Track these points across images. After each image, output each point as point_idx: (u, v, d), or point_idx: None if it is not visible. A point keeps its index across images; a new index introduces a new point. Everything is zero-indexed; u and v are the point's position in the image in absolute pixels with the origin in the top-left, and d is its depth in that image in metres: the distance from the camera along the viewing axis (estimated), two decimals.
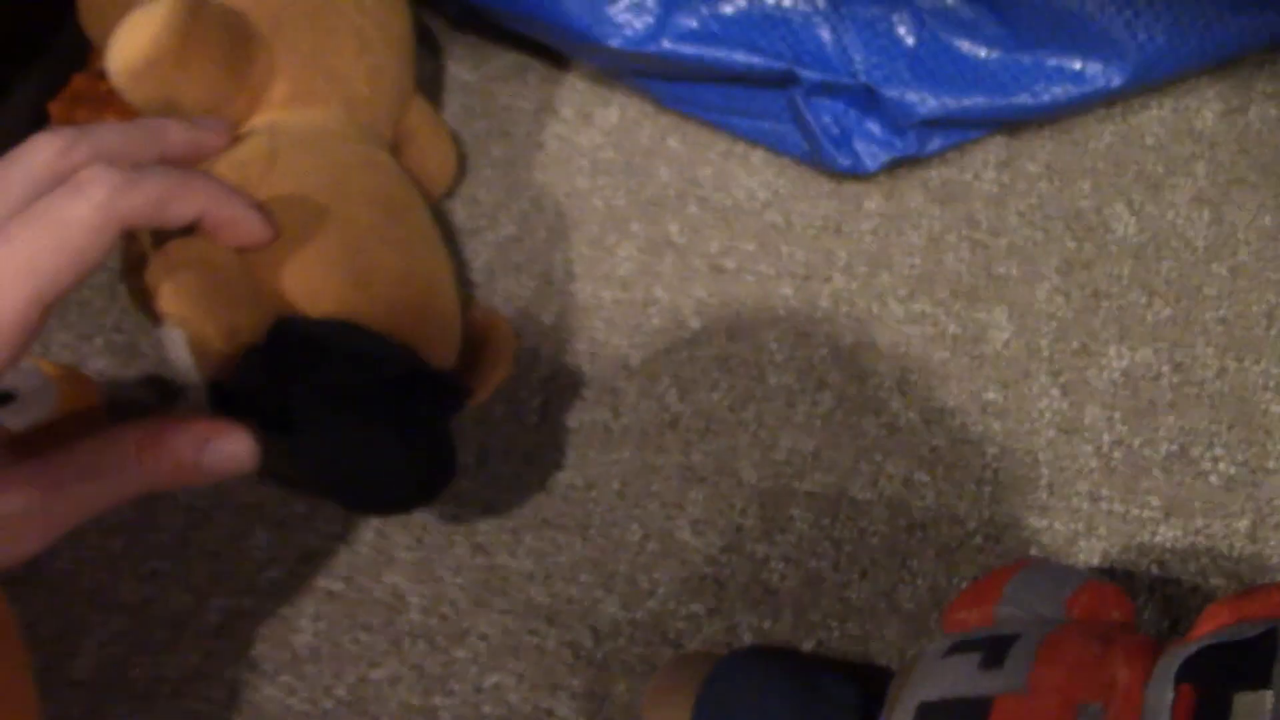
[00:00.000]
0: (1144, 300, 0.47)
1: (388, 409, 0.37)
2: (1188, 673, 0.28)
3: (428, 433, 0.39)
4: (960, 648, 0.33)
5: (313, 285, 0.38)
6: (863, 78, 0.50)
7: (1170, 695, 0.27)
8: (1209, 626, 0.29)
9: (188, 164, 0.37)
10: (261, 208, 0.36)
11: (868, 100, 0.50)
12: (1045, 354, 0.46)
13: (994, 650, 0.32)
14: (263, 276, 0.37)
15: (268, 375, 0.36)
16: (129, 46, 0.39)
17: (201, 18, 0.40)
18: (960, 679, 0.32)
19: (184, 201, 0.33)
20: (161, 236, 0.36)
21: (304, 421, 0.36)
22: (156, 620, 0.46)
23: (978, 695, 0.31)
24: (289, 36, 0.44)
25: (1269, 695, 0.26)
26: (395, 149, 0.49)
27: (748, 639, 0.42)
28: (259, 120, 0.44)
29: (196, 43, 0.40)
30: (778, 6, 0.50)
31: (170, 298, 0.34)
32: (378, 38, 0.47)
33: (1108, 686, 0.30)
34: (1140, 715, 0.28)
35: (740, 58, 0.50)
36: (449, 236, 0.54)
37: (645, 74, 0.54)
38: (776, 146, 0.53)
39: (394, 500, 0.39)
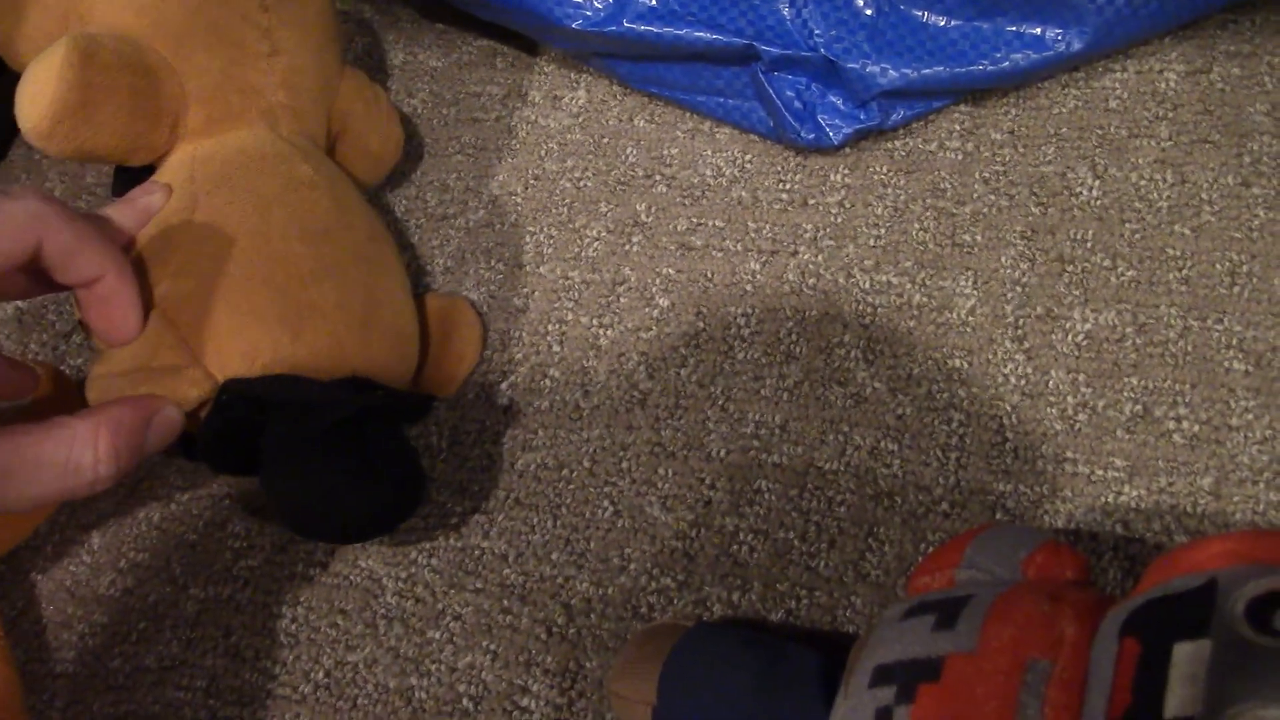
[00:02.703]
0: (1108, 263, 0.47)
1: (342, 449, 0.38)
2: (1131, 626, 0.28)
3: (388, 459, 0.40)
4: (916, 611, 0.33)
5: (249, 344, 0.39)
6: (823, 51, 0.50)
7: (1114, 649, 0.28)
8: (1154, 580, 0.30)
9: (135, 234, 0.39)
10: (139, 309, 0.37)
11: (829, 73, 0.50)
12: (1010, 320, 0.46)
13: (947, 612, 0.32)
14: (198, 337, 0.38)
15: (224, 440, 0.38)
16: (32, 108, 0.39)
17: (97, 62, 0.39)
18: (915, 641, 0.32)
19: (89, 260, 0.34)
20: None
21: (265, 474, 0.38)
22: (136, 611, 0.46)
23: (930, 656, 0.31)
24: (195, 59, 0.43)
25: (1207, 644, 0.26)
26: (334, 136, 0.49)
27: (718, 611, 0.43)
28: (181, 153, 0.43)
29: (98, 90, 0.39)
30: None
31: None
32: (288, 34, 0.46)
33: (1056, 643, 0.30)
34: (1087, 669, 0.29)
35: (700, 34, 0.50)
36: (419, 225, 0.54)
37: (610, 55, 0.54)
38: (742, 123, 0.54)
39: (364, 529, 0.40)
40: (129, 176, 0.43)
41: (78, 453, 0.31)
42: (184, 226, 0.40)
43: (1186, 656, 0.26)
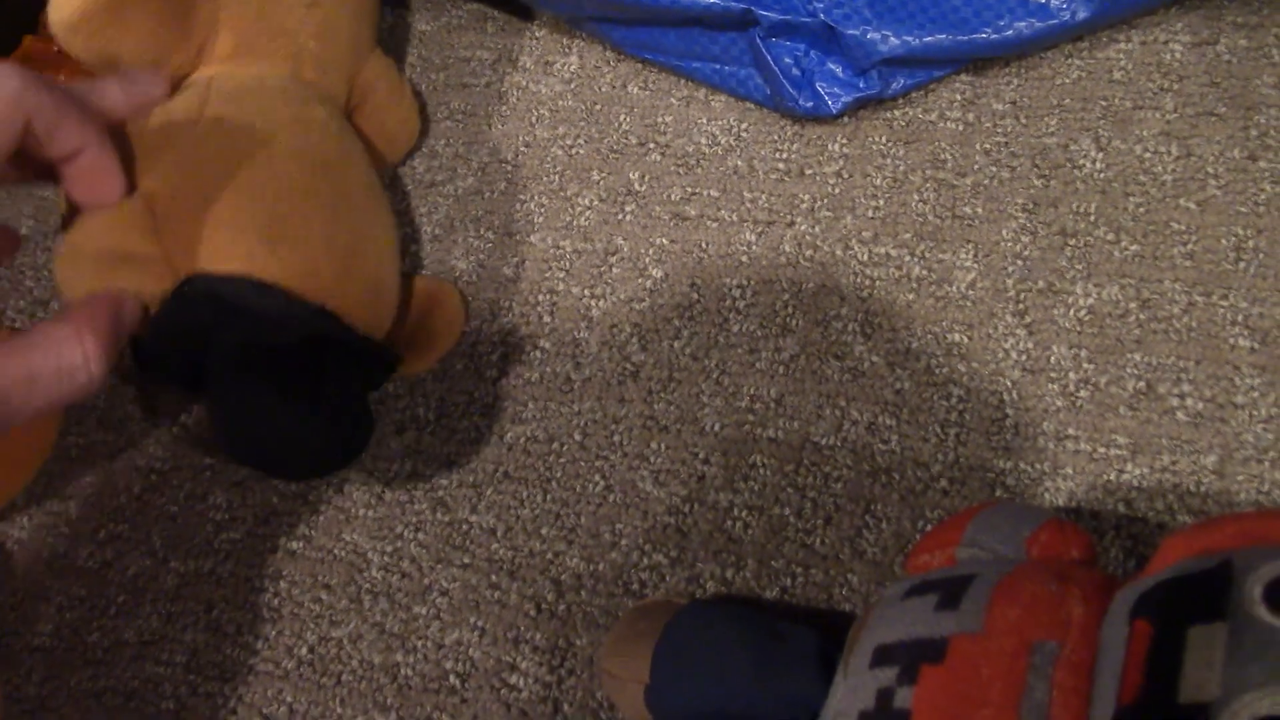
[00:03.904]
0: (1111, 237, 0.46)
1: (295, 373, 0.37)
2: (1143, 609, 0.27)
3: (338, 399, 0.39)
4: (918, 590, 0.33)
5: (222, 243, 0.37)
6: (823, 16, 0.49)
7: (1125, 631, 0.27)
8: (1165, 561, 0.29)
9: (127, 117, 0.37)
10: (121, 176, 0.36)
11: (828, 40, 0.49)
12: (1011, 294, 0.46)
13: (950, 591, 0.32)
14: (175, 233, 0.37)
15: (174, 336, 0.36)
16: (65, 2, 0.39)
17: None
18: (917, 621, 0.31)
19: (71, 132, 0.33)
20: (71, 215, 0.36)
21: (212, 382, 0.36)
22: (115, 584, 0.45)
23: (933, 636, 0.30)
24: None
25: (1222, 628, 0.25)
26: (352, 106, 0.49)
27: (711, 589, 0.42)
28: (201, 74, 0.43)
29: None
30: None
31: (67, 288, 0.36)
32: None
33: (1064, 625, 0.29)
34: (1096, 652, 0.28)
35: (699, 0, 0.49)
36: (407, 192, 0.53)
37: (604, 20, 0.53)
38: (738, 91, 0.52)
39: (301, 466, 0.39)
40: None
41: (68, 357, 0.31)
42: (186, 125, 0.40)
43: (1202, 640, 0.25)
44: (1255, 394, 0.42)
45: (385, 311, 0.43)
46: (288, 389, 0.37)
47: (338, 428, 0.38)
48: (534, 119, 0.54)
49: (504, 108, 0.55)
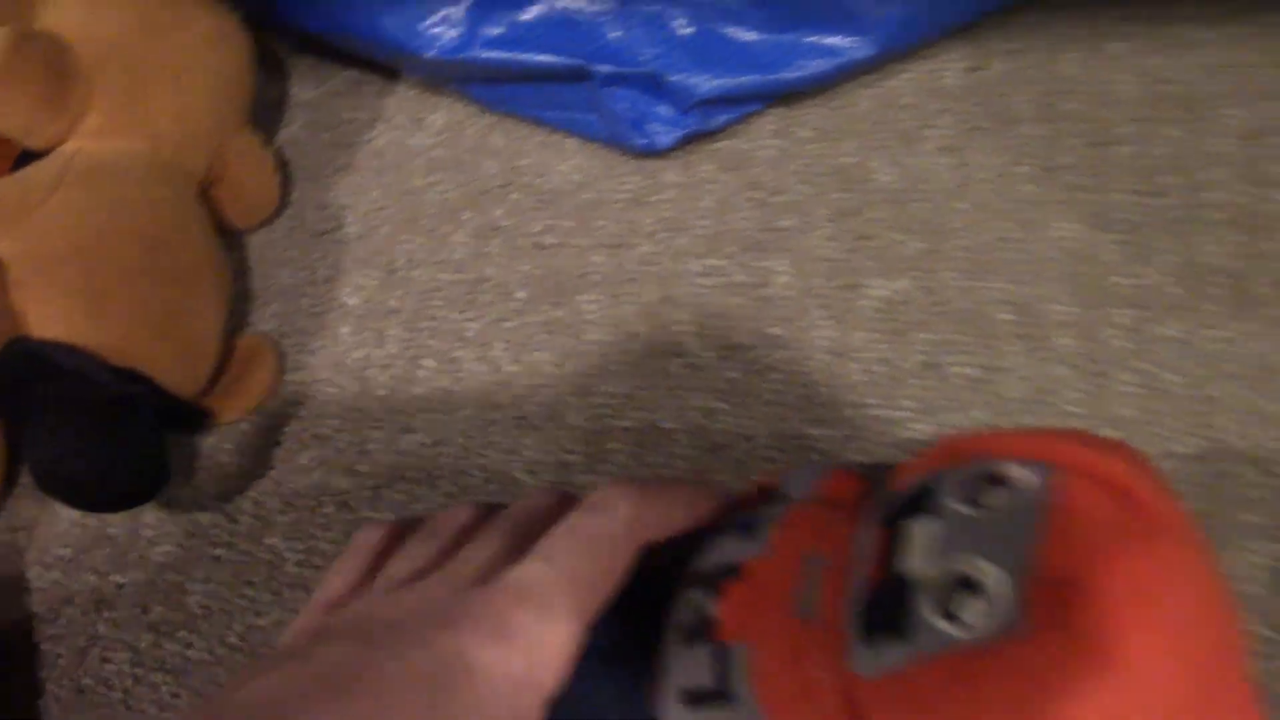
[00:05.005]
0: (900, 238, 0.55)
1: (100, 423, 0.45)
2: (881, 518, 0.33)
3: (140, 447, 0.46)
4: (728, 526, 0.39)
5: (52, 312, 0.46)
6: (649, 67, 0.57)
7: (870, 538, 0.34)
8: (900, 480, 0.35)
9: None
10: None
11: (655, 86, 0.58)
12: (819, 291, 0.54)
13: (749, 525, 0.38)
14: (16, 295, 0.45)
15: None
16: None
17: (25, 52, 0.46)
18: (725, 550, 0.37)
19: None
20: None
21: (29, 427, 0.44)
22: (61, 600, 0.52)
23: (734, 561, 0.36)
24: (108, 76, 0.50)
25: (932, 520, 0.31)
26: (213, 179, 0.56)
27: None
28: (68, 146, 0.50)
29: (17, 75, 0.46)
30: (570, 11, 0.57)
31: None
32: (198, 82, 0.54)
33: (830, 541, 0.35)
34: (851, 559, 0.35)
35: (541, 58, 0.57)
36: (299, 242, 0.60)
37: (464, 79, 0.61)
38: (585, 134, 0.60)
39: (101, 501, 0.46)
40: (30, 156, 0.51)
41: None
42: (40, 202, 0.47)
43: (917, 531, 0.31)
44: (1018, 359, 0.51)
45: (199, 371, 0.51)
46: (91, 436, 0.45)
47: (135, 471, 0.46)
48: (410, 169, 0.62)
49: (383, 161, 0.62)
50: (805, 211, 0.56)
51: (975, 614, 0.28)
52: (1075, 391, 0.50)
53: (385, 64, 0.64)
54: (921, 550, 0.30)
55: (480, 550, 0.33)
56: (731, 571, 0.35)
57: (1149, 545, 0.30)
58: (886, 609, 0.29)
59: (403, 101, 0.64)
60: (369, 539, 0.35)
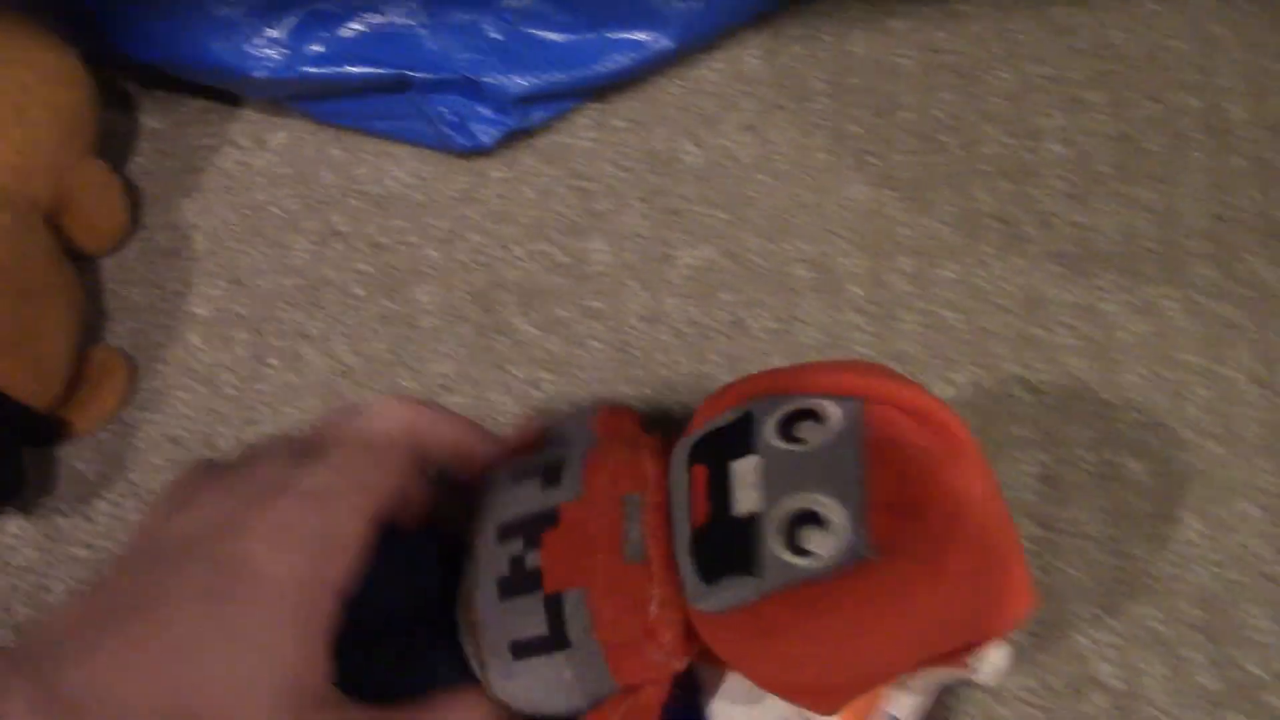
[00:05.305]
0: (706, 210, 0.59)
1: None
2: (696, 456, 0.35)
3: None
4: (522, 474, 0.39)
5: None
6: (464, 72, 0.61)
7: (686, 475, 0.34)
8: (704, 418, 0.37)
9: None
10: None
11: (472, 89, 0.61)
12: (634, 265, 0.58)
13: (550, 472, 0.39)
14: None
15: None
16: None
17: None
18: (530, 499, 0.38)
19: None
20: None
21: None
22: None
23: (546, 508, 0.37)
24: None
25: (756, 458, 0.33)
26: (60, 206, 0.59)
27: None
28: None
29: None
30: (387, 25, 0.61)
31: None
32: (38, 115, 0.57)
33: (643, 479, 0.36)
34: (668, 495, 0.35)
35: (361, 70, 0.61)
36: (151, 262, 0.63)
37: (297, 97, 0.64)
38: (415, 140, 0.64)
39: None
40: None
41: None
42: None
43: (742, 469, 0.33)
44: (814, 310, 0.55)
45: (50, 385, 0.54)
46: None
47: None
48: (253, 186, 0.65)
49: (228, 181, 0.66)
50: (620, 194, 0.60)
51: (821, 545, 0.31)
52: (864, 334, 0.54)
53: (226, 90, 0.67)
54: (753, 488, 0.33)
55: (270, 465, 0.36)
56: (548, 519, 0.37)
57: (958, 466, 0.34)
58: (729, 548, 0.32)
59: (246, 125, 0.68)
60: (187, 474, 0.38)
